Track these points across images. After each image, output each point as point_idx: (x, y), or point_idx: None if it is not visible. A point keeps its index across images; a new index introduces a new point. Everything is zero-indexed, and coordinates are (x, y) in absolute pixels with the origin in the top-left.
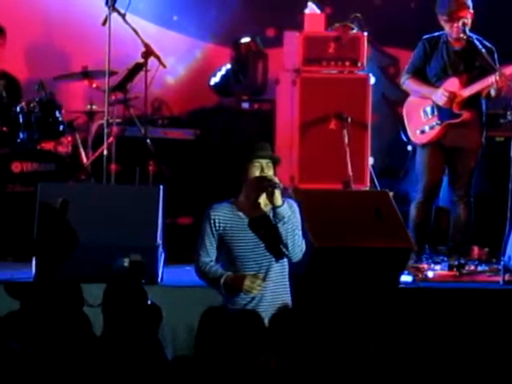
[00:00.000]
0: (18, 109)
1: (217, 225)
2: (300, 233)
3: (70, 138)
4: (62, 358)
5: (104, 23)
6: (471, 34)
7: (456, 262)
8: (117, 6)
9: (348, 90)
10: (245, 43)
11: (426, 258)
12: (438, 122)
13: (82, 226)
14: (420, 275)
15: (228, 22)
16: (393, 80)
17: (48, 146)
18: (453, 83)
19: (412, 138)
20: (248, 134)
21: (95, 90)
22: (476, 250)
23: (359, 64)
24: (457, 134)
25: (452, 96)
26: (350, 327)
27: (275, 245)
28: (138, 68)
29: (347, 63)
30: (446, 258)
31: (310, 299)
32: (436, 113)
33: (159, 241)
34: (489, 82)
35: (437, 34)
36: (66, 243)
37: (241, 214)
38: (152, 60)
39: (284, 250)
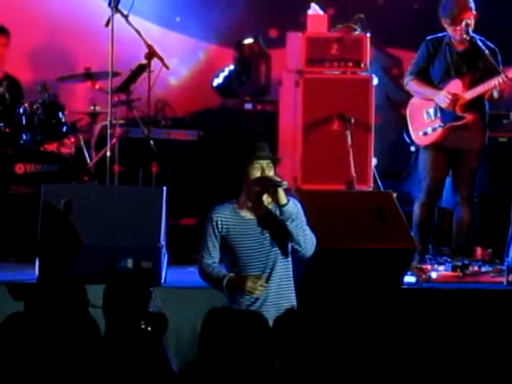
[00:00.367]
0: (21, 110)
1: (219, 226)
2: (307, 227)
3: (73, 139)
4: (65, 360)
5: (107, 24)
6: (474, 35)
7: (459, 263)
8: (120, 7)
9: (351, 90)
10: (248, 44)
11: (429, 258)
12: (441, 123)
13: (86, 226)
14: (423, 276)
15: (231, 22)
16: (396, 81)
17: (51, 147)
18: (456, 85)
19: (415, 140)
20: (251, 135)
21: (98, 91)
22: (479, 250)
23: (362, 65)
24: (459, 136)
25: (455, 98)
26: (353, 328)
27: (285, 242)
28: (141, 69)
29: (350, 64)
30: (449, 259)
31: (314, 300)
32: (439, 114)
33: (162, 242)
34: (492, 85)
35: (440, 34)
36: (69, 244)
37: (243, 214)
38: (155, 61)
39: (297, 247)
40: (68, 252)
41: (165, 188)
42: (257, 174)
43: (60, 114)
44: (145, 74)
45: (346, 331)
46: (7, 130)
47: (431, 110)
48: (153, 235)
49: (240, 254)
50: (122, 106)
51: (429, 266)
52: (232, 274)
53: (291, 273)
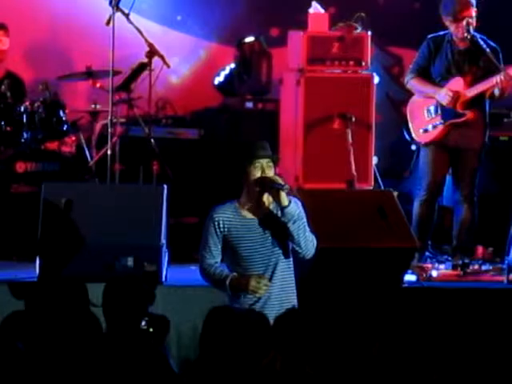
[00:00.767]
0: (22, 109)
1: (221, 226)
2: (308, 228)
3: (73, 138)
4: (67, 358)
5: (108, 23)
6: (475, 34)
7: (460, 262)
8: (120, 5)
9: (352, 89)
10: (249, 43)
11: (429, 257)
12: (442, 121)
13: (86, 225)
14: (424, 275)
15: (232, 21)
16: (397, 80)
17: (52, 145)
18: (457, 83)
19: (415, 137)
20: (252, 134)
21: (99, 90)
22: (480, 249)
23: (363, 64)
24: (460, 134)
25: (456, 96)
26: (353, 327)
27: (286, 242)
28: (142, 68)
29: (351, 63)
30: (450, 258)
31: (315, 299)
32: (439, 112)
33: (163, 240)
34: (493, 82)
35: (441, 33)
36: (70, 243)
37: (244, 214)
38: (156, 60)
39: (297, 248)
40: (69, 251)
41: (165, 186)
42: (257, 173)
43: (61, 112)
44: (146, 73)
45: (346, 330)
46: (8, 128)
47: (432, 108)
48: (153, 234)
49: (242, 254)
50: (123, 104)
51: (429, 265)
52: (235, 274)
53: (293, 272)
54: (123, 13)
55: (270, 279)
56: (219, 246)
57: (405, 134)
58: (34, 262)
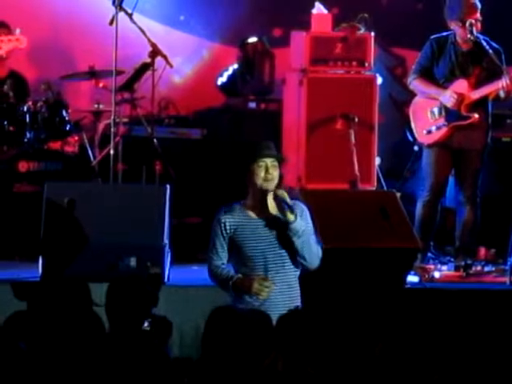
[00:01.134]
0: (25, 108)
1: (227, 227)
2: (315, 238)
3: (76, 138)
4: (69, 358)
5: (111, 23)
6: (478, 35)
7: (462, 263)
8: (124, 5)
9: (355, 90)
10: (252, 43)
11: (432, 258)
12: (445, 122)
13: (89, 225)
14: (426, 276)
15: (235, 21)
16: (400, 80)
17: (55, 145)
18: (461, 85)
19: (418, 138)
20: (254, 134)
21: (102, 90)
22: (483, 250)
23: (366, 64)
24: (463, 136)
25: (460, 98)
26: (356, 328)
27: (290, 244)
28: (145, 68)
29: (354, 63)
30: (452, 259)
31: (318, 300)
32: (443, 113)
33: (166, 240)
34: (498, 86)
35: (445, 34)
36: (72, 243)
37: (251, 215)
38: (159, 60)
39: (302, 261)
40: (71, 250)
41: (168, 186)
42: (261, 172)
43: (64, 112)
44: (148, 73)
45: (349, 330)
46: (11, 128)
47: (436, 109)
48: (156, 234)
49: (247, 253)
50: (126, 104)
51: (432, 266)
52: (239, 276)
53: (298, 273)
54: (126, 12)
55: (275, 280)
56: (226, 248)
57: (408, 134)
58: (36, 262)
